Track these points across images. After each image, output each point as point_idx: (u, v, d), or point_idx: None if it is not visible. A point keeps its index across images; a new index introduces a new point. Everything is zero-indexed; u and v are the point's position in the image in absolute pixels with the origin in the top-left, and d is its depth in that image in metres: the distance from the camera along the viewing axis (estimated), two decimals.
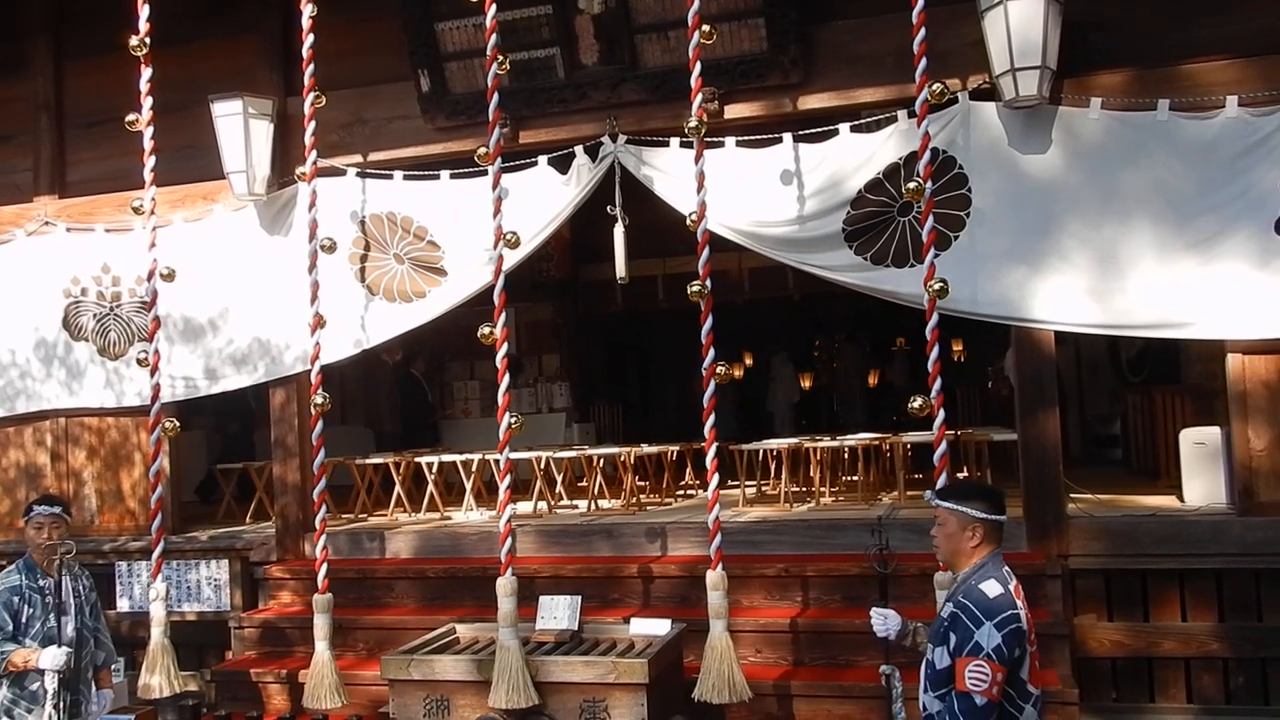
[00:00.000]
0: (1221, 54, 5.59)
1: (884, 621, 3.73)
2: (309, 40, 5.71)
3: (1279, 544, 5.41)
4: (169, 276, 6.15)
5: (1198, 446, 6.24)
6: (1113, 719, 5.46)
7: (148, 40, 5.89)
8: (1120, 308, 5.63)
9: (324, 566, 5.64)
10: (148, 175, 6.04)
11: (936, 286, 4.81)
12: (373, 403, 11.64)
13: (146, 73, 5.97)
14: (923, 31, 4.85)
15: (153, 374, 6.02)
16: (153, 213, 6.09)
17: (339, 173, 6.84)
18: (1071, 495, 6.20)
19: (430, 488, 7.87)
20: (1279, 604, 5.46)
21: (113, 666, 5.18)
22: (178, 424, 6.07)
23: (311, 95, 5.78)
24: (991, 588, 3.20)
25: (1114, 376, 10.45)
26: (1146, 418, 8.34)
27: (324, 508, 5.75)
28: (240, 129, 6.70)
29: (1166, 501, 6.46)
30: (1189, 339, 6.13)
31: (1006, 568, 3.32)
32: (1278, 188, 5.38)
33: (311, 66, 5.74)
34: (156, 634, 5.80)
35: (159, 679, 5.68)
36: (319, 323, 5.81)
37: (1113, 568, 5.69)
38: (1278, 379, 5.54)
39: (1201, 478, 6.19)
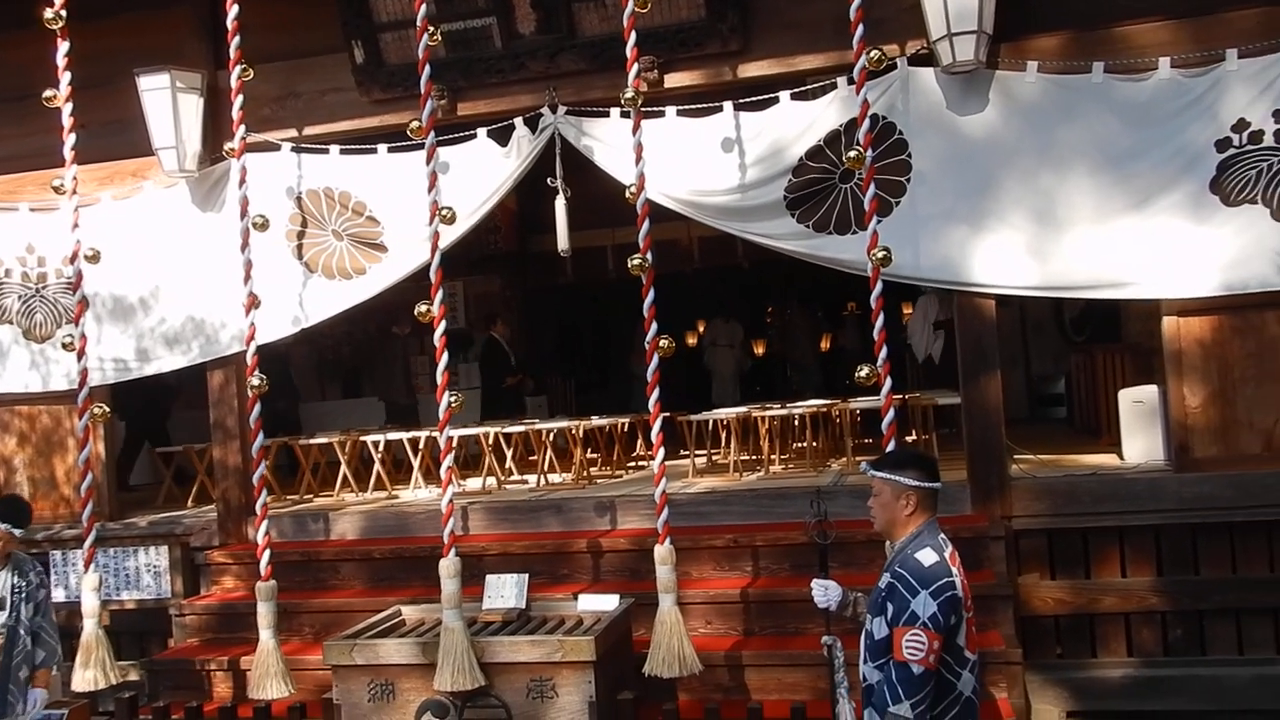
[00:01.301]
0: (1154, 16, 5.61)
1: (825, 592, 3.73)
2: (234, 10, 5.55)
3: (1215, 499, 5.52)
4: (93, 258, 5.98)
5: (1136, 405, 6.32)
6: (1056, 675, 5.54)
7: (64, 13, 5.69)
8: (1058, 269, 5.66)
9: (266, 553, 5.53)
10: (68, 153, 5.86)
11: (880, 255, 4.80)
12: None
13: (64, 46, 5.79)
14: None
15: (80, 357, 5.86)
16: (74, 192, 5.90)
17: (273, 148, 6.68)
18: (1014, 456, 6.26)
19: (377, 466, 7.77)
20: (1215, 557, 5.57)
21: (53, 664, 5.07)
22: (107, 409, 5.91)
23: (239, 68, 5.62)
24: (927, 556, 3.20)
25: (1058, 336, 10.57)
26: (1089, 376, 8.44)
27: (265, 492, 5.65)
28: (168, 103, 6.52)
29: (1107, 460, 6.54)
30: (1126, 299, 6.19)
31: (943, 535, 3.33)
32: (1212, 148, 5.42)
33: (238, 38, 5.59)
34: (89, 625, 5.69)
35: (93, 671, 5.57)
36: (253, 302, 5.69)
37: (1055, 527, 5.76)
38: (1211, 338, 5.63)
39: (1140, 436, 6.28)
